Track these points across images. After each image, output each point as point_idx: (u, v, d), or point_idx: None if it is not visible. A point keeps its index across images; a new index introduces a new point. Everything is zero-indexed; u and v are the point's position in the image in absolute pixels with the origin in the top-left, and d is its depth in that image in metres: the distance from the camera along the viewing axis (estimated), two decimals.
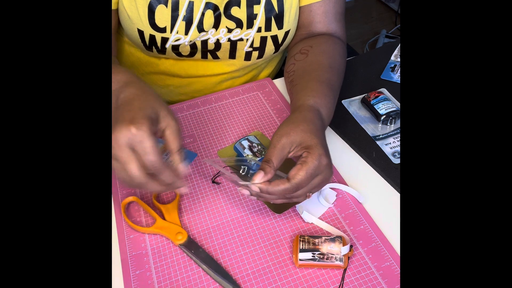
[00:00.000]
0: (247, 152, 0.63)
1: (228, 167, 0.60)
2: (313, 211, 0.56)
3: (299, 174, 0.48)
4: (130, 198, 0.58)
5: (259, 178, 0.49)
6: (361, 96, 0.72)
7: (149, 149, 0.44)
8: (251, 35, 0.70)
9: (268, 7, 0.68)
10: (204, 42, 0.70)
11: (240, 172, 0.54)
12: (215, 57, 0.74)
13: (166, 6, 0.65)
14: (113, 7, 0.67)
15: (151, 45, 0.70)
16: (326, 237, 0.51)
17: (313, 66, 0.65)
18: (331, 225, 0.55)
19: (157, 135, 0.48)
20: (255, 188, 0.49)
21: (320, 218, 0.56)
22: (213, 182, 0.61)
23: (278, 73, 0.90)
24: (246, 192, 0.50)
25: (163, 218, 0.56)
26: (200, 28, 0.68)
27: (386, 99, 0.69)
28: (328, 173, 0.51)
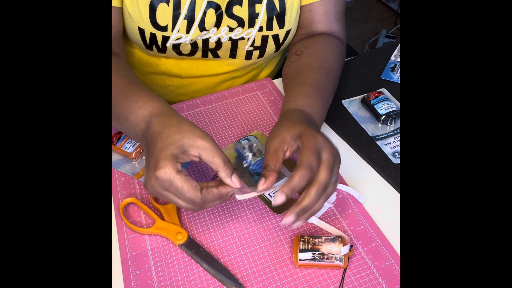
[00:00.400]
0: (247, 152, 0.63)
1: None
2: None
3: (303, 155, 0.47)
4: (129, 199, 0.58)
5: (262, 183, 0.49)
6: (361, 96, 0.72)
7: (180, 190, 0.46)
8: (252, 34, 0.70)
9: (270, 6, 0.68)
10: (205, 41, 0.70)
11: (244, 164, 0.54)
12: (216, 56, 0.73)
13: (168, 4, 0.65)
14: (118, 4, 0.66)
15: (152, 44, 0.69)
16: (326, 237, 0.51)
17: (302, 69, 0.66)
18: (331, 225, 0.55)
19: (197, 160, 0.49)
20: (281, 198, 0.46)
21: (320, 218, 0.56)
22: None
23: (278, 73, 0.90)
24: (278, 201, 0.46)
25: (162, 219, 0.56)
26: (202, 27, 0.68)
27: (386, 99, 0.69)
28: (331, 147, 0.49)
